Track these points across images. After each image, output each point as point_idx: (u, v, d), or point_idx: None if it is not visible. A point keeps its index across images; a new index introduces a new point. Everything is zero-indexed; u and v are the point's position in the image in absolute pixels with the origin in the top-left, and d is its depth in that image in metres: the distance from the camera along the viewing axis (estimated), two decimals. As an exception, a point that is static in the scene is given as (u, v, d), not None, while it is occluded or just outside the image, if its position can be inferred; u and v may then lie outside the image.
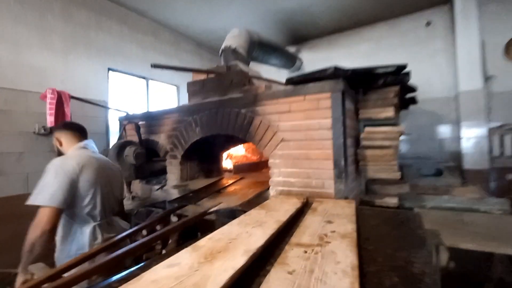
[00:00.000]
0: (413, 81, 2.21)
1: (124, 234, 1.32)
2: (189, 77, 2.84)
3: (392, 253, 0.97)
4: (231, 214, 2.02)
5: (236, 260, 0.81)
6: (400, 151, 3.64)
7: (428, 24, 4.05)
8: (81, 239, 1.40)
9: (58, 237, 1.40)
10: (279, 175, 1.90)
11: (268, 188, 1.96)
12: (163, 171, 2.69)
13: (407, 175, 2.91)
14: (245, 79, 2.19)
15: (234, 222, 1.19)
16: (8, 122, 2.61)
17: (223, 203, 1.60)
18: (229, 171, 3.09)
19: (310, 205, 1.58)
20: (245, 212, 1.35)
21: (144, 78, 4.20)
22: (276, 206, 1.52)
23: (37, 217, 1.26)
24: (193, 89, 2.48)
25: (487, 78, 3.52)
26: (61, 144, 1.56)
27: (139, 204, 2.35)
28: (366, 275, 0.82)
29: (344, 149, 1.67)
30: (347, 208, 1.45)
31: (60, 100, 2.63)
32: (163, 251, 1.40)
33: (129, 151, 2.29)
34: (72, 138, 1.55)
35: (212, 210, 1.49)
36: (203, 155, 2.75)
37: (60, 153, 1.59)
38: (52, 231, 1.28)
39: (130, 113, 2.95)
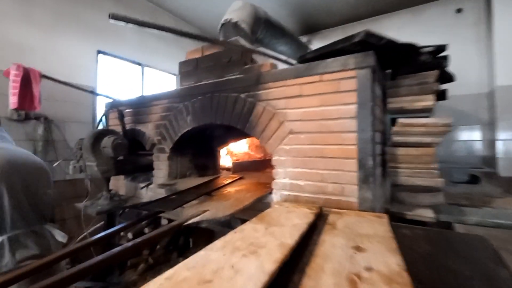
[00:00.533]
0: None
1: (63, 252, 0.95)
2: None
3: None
4: (226, 222, 1.64)
5: None
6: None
7: (459, 10, 3.58)
8: None
9: None
10: (285, 176, 1.50)
11: (271, 192, 1.57)
12: (153, 167, 2.32)
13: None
14: (247, 57, 1.79)
15: (216, 245, 0.80)
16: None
17: (209, 210, 1.21)
18: (228, 169, 2.71)
19: (326, 217, 1.18)
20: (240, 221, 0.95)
21: (139, 64, 3.84)
22: (280, 218, 1.13)
23: None
24: (186, 70, 2.09)
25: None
26: None
27: (117, 204, 1.99)
28: None
29: (373, 146, 1.26)
30: (379, 226, 1.04)
31: (27, 78, 2.23)
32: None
33: (107, 142, 1.92)
34: None
35: (189, 222, 1.10)
36: (198, 149, 2.37)
37: None
38: None
39: (117, 99, 2.59)
